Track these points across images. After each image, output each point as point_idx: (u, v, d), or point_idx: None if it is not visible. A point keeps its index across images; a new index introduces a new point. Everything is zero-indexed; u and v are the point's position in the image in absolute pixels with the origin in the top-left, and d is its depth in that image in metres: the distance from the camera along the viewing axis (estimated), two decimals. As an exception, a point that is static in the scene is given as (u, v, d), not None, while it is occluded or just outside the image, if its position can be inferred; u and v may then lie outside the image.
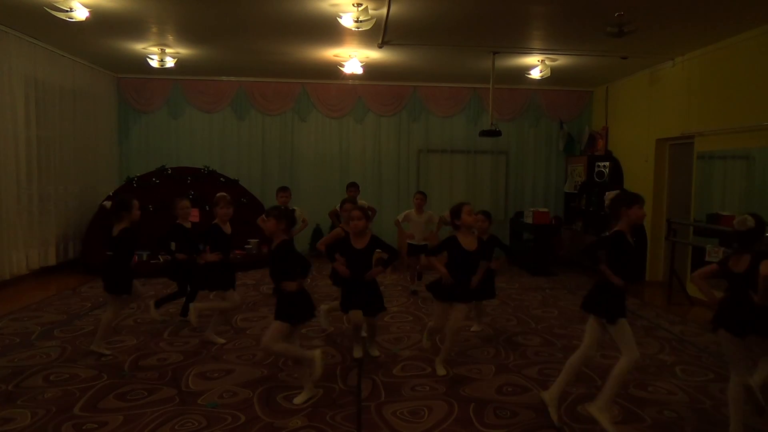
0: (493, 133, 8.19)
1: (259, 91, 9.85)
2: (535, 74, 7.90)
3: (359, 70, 7.90)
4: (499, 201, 10.26)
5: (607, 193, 3.69)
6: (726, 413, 3.68)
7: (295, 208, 6.54)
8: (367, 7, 5.44)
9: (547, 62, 7.80)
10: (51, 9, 5.36)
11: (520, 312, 6.35)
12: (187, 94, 9.76)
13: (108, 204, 4.71)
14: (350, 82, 9.66)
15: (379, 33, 6.42)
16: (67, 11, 5.34)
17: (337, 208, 6.42)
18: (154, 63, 7.68)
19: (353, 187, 7.41)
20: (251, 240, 8.77)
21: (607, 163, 8.97)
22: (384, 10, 5.64)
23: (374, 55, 7.65)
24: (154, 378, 4.14)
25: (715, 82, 6.95)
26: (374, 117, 10.10)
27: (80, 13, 5.41)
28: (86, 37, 7.03)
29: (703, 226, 6.86)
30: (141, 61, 7.99)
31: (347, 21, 5.47)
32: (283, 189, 6.73)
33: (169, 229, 5.24)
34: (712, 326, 3.34)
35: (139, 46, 7.45)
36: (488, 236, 5.20)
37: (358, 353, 4.66)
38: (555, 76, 8.42)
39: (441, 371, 4.32)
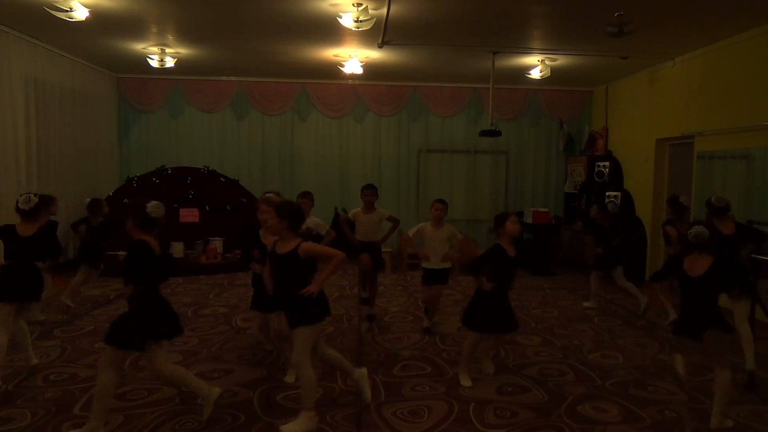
0: (493, 133, 8.18)
1: (259, 91, 9.84)
2: (535, 74, 7.89)
3: (359, 70, 7.89)
4: (499, 201, 10.23)
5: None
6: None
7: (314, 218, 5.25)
8: (367, 7, 5.43)
9: (547, 62, 7.79)
10: (51, 9, 5.35)
11: (520, 312, 6.32)
12: (187, 94, 9.75)
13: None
14: (350, 82, 9.66)
15: (379, 33, 6.41)
16: (67, 11, 5.33)
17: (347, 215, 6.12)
18: (154, 63, 7.67)
19: (369, 189, 5.91)
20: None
21: (607, 163, 8.97)
22: (384, 10, 5.64)
23: (374, 55, 7.65)
24: (154, 378, 4.14)
25: (715, 82, 6.94)
26: (374, 117, 10.09)
27: (80, 13, 5.40)
28: (86, 37, 7.02)
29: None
30: (141, 61, 7.98)
31: (347, 21, 5.46)
32: (303, 194, 5.38)
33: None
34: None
35: (139, 46, 7.45)
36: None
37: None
38: (555, 76, 8.41)
39: None
